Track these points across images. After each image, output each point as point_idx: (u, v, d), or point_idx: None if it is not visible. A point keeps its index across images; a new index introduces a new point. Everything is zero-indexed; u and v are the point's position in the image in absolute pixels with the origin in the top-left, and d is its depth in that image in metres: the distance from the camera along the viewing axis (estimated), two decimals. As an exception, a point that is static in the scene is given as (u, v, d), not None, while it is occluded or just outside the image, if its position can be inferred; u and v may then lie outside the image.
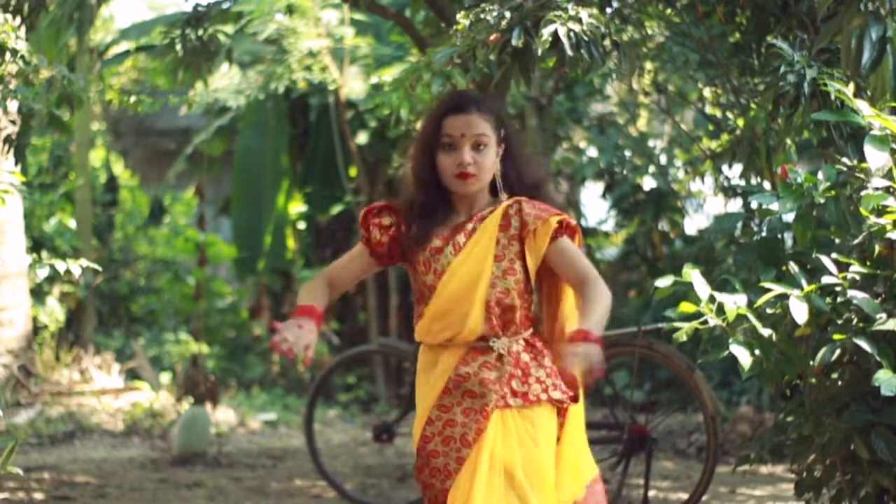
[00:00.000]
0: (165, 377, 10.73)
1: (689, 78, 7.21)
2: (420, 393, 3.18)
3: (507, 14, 4.29)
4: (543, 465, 3.08)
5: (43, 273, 4.84)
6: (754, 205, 4.06)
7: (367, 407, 10.73)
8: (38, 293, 10.25)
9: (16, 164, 5.38)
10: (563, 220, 3.16)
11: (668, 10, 5.55)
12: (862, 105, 3.76)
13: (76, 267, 4.79)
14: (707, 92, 7.29)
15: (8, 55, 4.93)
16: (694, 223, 10.96)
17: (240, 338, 12.57)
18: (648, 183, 10.31)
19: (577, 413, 3.27)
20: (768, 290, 3.62)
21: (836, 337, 3.59)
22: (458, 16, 4.47)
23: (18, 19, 5.32)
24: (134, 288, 12.13)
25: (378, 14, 6.91)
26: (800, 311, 3.53)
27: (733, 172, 8.03)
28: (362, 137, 11.31)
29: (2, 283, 8.72)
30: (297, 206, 12.06)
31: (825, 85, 3.84)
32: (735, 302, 3.63)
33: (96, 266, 4.98)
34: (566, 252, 3.14)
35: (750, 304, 3.66)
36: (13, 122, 5.30)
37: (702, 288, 3.63)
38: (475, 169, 3.10)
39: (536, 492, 3.05)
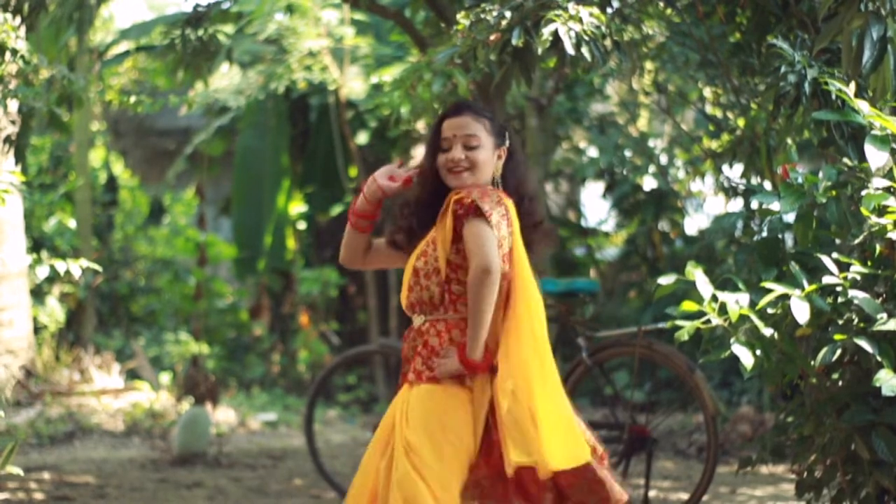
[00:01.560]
0: (165, 377, 10.73)
1: (689, 78, 7.21)
2: None
3: (508, 14, 4.29)
4: (415, 415, 3.28)
5: (43, 273, 4.85)
6: (755, 205, 4.06)
7: (367, 407, 10.73)
8: (38, 293, 10.25)
9: (16, 163, 5.38)
10: (468, 202, 3.29)
11: (669, 10, 5.55)
12: (862, 105, 3.76)
13: (76, 267, 4.79)
14: (707, 92, 7.29)
15: (8, 55, 4.94)
16: (694, 223, 10.96)
17: (240, 338, 12.57)
18: (649, 183, 10.31)
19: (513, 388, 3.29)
20: (769, 290, 3.62)
21: (837, 337, 3.59)
22: (459, 16, 4.47)
23: (18, 19, 5.32)
24: (134, 288, 12.13)
25: (378, 14, 6.91)
26: (801, 311, 3.53)
27: (734, 172, 8.03)
28: (362, 137, 11.31)
29: (2, 283, 8.71)
30: (297, 206, 12.05)
31: (826, 85, 3.84)
32: (737, 301, 3.63)
33: (96, 266, 4.99)
34: (467, 238, 3.29)
35: (751, 304, 3.65)
36: (13, 122, 5.30)
37: (704, 287, 3.62)
38: (466, 163, 3.36)
39: (406, 436, 3.26)
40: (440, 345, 3.33)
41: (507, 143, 3.46)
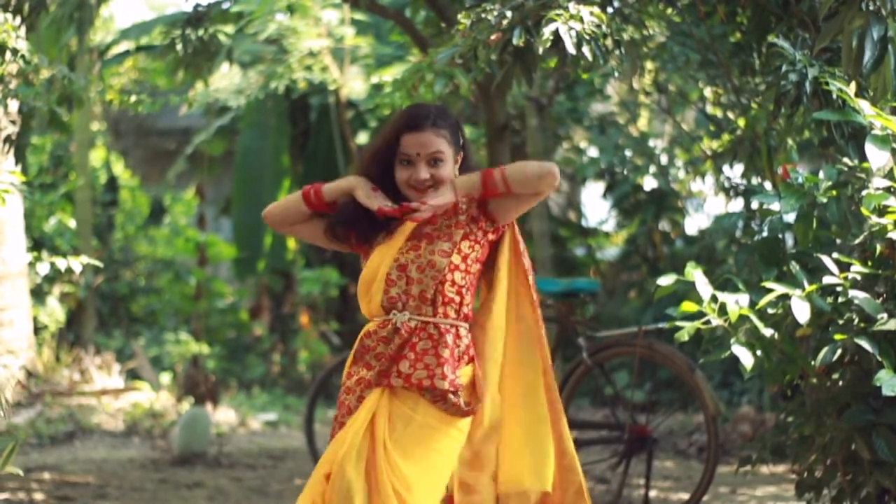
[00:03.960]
0: (166, 377, 10.73)
1: (689, 78, 7.20)
2: None
3: (509, 13, 4.28)
4: (412, 446, 3.13)
5: (43, 270, 4.85)
6: (755, 205, 4.07)
7: (368, 407, 10.71)
8: (38, 293, 10.25)
9: (16, 163, 5.38)
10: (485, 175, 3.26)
11: (669, 10, 5.55)
12: (863, 105, 3.75)
13: (76, 264, 4.79)
14: (708, 92, 7.29)
15: (8, 55, 4.93)
16: (695, 223, 10.96)
17: (240, 338, 12.57)
18: (649, 183, 10.31)
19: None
20: (769, 290, 3.62)
21: (838, 337, 3.59)
22: (460, 16, 4.46)
23: (18, 19, 5.32)
24: (134, 288, 12.13)
25: (378, 14, 6.90)
26: (801, 311, 3.53)
27: (734, 172, 8.03)
28: (362, 137, 11.31)
29: (2, 283, 8.71)
30: (297, 206, 12.03)
31: (826, 84, 3.84)
32: (737, 302, 3.63)
33: (97, 262, 4.99)
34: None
35: (751, 305, 3.65)
36: (13, 122, 5.30)
37: (704, 288, 3.62)
38: (430, 182, 3.21)
39: (400, 466, 3.10)
40: (432, 346, 3.16)
41: (462, 141, 3.32)
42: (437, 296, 3.18)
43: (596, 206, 12.40)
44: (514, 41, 4.23)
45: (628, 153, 10.45)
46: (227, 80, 11.06)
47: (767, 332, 3.61)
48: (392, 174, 3.25)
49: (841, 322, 3.67)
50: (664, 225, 10.62)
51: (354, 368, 3.27)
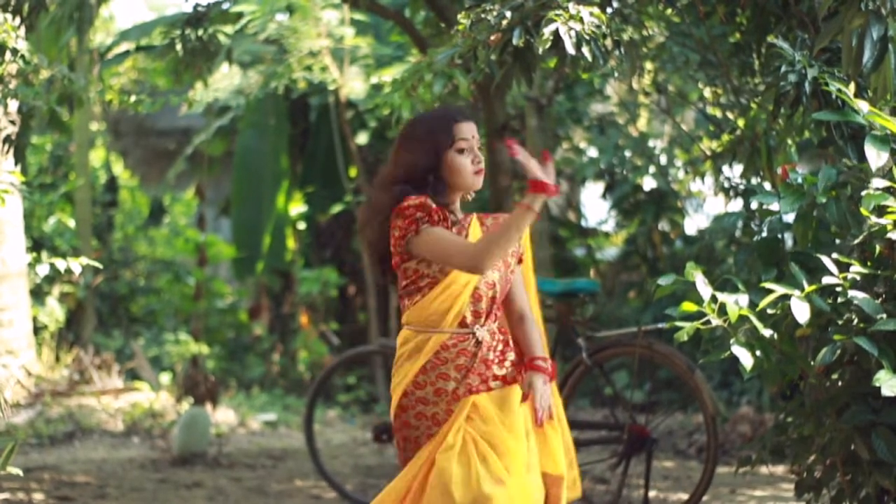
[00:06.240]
0: (165, 377, 10.73)
1: (689, 78, 7.21)
2: (401, 370, 3.43)
3: (508, 14, 4.29)
4: (507, 441, 3.36)
5: (43, 271, 4.85)
6: (755, 205, 4.07)
7: (367, 407, 10.72)
8: (37, 293, 10.25)
9: (16, 163, 5.38)
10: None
11: (669, 10, 5.55)
12: (862, 105, 3.75)
13: (76, 264, 4.79)
14: (707, 92, 7.29)
15: (8, 55, 4.93)
16: (694, 223, 10.97)
17: (240, 338, 12.57)
18: (649, 183, 10.31)
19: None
20: (769, 290, 3.62)
21: (837, 337, 3.59)
22: (459, 16, 4.47)
23: (18, 19, 5.32)
24: (134, 288, 12.13)
25: (378, 14, 6.91)
26: (801, 312, 3.53)
27: (734, 172, 8.03)
28: (362, 137, 11.31)
29: (1, 284, 8.71)
30: (297, 207, 12.05)
31: (826, 84, 3.84)
32: (737, 302, 3.63)
33: (96, 263, 4.98)
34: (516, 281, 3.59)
35: (751, 305, 3.65)
36: (13, 122, 5.30)
37: (704, 288, 3.62)
38: (483, 165, 3.49)
39: (500, 461, 3.32)
40: (505, 345, 3.49)
41: None
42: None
43: (595, 206, 12.41)
44: (514, 41, 4.23)
45: (628, 153, 10.45)
46: (226, 80, 11.06)
47: (767, 332, 3.61)
48: (436, 176, 3.43)
49: (840, 322, 3.67)
50: (664, 225, 10.62)
51: (424, 378, 3.39)
